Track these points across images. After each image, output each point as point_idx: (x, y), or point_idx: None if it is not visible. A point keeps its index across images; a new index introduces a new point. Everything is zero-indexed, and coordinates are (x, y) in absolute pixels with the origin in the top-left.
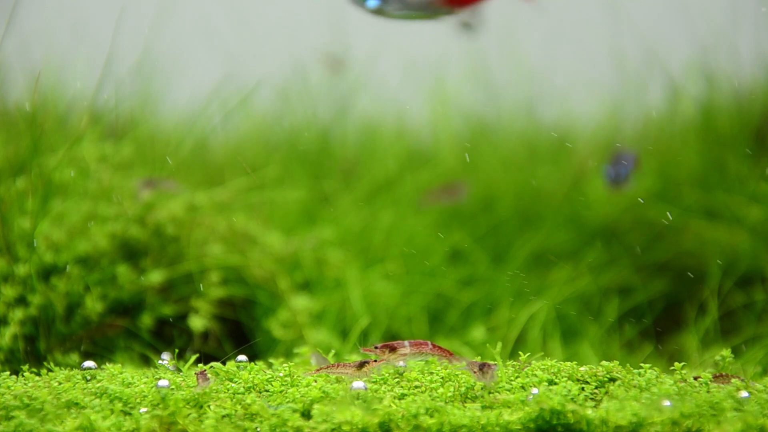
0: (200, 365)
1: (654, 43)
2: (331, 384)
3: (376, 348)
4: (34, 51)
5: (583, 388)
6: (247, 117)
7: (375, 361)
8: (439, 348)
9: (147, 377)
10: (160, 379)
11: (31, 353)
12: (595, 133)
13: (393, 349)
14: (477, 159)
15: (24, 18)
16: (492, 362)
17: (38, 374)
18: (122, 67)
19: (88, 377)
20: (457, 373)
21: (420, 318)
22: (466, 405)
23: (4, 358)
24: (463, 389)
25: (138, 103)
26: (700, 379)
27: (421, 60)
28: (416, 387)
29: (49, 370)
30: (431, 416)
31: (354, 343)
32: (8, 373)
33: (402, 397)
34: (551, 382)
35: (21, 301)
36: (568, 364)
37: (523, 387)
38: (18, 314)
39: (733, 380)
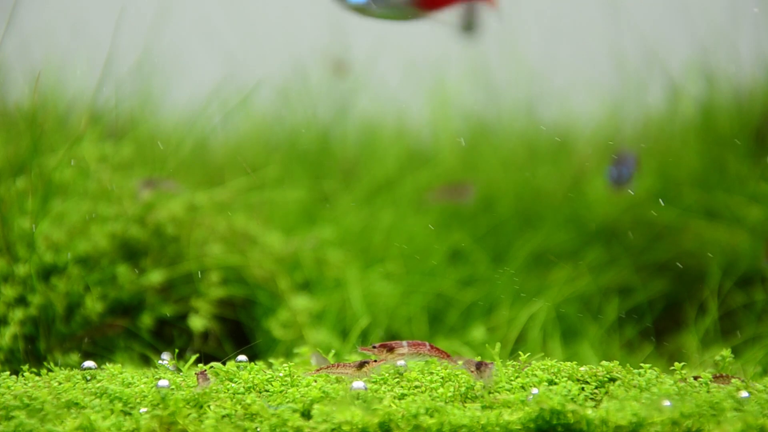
0: (200, 365)
1: (654, 43)
2: (331, 384)
3: (374, 348)
4: (34, 51)
5: (583, 388)
6: (247, 117)
7: (375, 361)
8: (437, 349)
9: (147, 377)
10: (160, 379)
11: (31, 353)
12: (595, 133)
13: (391, 349)
14: (477, 159)
15: (24, 18)
16: (489, 361)
17: (38, 374)
18: (122, 67)
19: (88, 377)
20: (457, 373)
21: (420, 318)
22: (466, 405)
23: (4, 358)
24: (463, 389)
25: (138, 103)
26: (700, 379)
27: (421, 60)
28: (416, 387)
29: (49, 370)
30: (431, 416)
31: (354, 343)
32: (8, 373)
33: (402, 397)
34: (551, 382)
35: (21, 301)
36: (568, 364)
37: (523, 387)
38: (18, 314)
39: (733, 380)
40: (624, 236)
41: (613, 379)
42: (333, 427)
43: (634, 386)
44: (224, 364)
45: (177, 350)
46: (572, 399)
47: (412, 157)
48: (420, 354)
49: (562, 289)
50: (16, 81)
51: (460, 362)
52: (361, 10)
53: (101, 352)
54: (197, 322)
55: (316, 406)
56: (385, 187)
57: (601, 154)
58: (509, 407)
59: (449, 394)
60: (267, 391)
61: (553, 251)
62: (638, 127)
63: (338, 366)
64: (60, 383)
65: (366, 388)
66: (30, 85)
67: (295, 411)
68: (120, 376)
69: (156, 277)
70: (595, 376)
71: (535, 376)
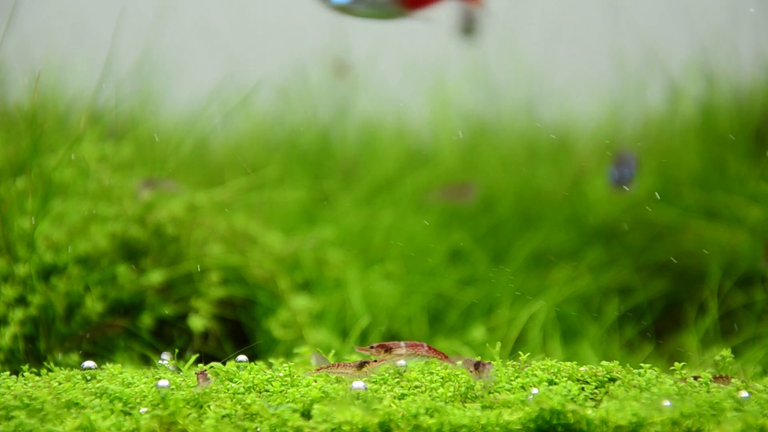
0: (200, 365)
1: (654, 43)
2: (331, 384)
3: (371, 348)
4: (34, 51)
5: (583, 388)
6: (247, 117)
7: (375, 361)
8: (434, 350)
9: (147, 377)
10: (160, 379)
11: (31, 353)
12: (595, 133)
13: (388, 350)
14: (477, 159)
15: (24, 18)
16: (488, 361)
17: (38, 374)
18: (122, 67)
19: (88, 377)
20: (457, 373)
21: (420, 318)
22: (466, 405)
23: (4, 358)
24: (463, 389)
25: (138, 103)
26: (700, 379)
27: (421, 60)
28: (416, 387)
29: (49, 370)
30: (431, 416)
31: (354, 343)
32: (8, 373)
33: (402, 397)
34: (551, 382)
35: (21, 301)
36: (568, 364)
37: (523, 387)
38: (18, 314)
39: (733, 381)
40: (624, 236)
41: (613, 379)
42: (333, 427)
43: (634, 386)
44: (224, 364)
45: (177, 350)
46: (572, 399)
47: (412, 157)
48: (418, 354)
49: (562, 289)
50: (16, 81)
51: (459, 362)
52: (344, 9)
53: (101, 352)
54: (197, 322)
55: (316, 406)
56: (385, 187)
57: (601, 154)
58: (509, 407)
59: (449, 394)
60: (267, 391)
61: (553, 251)
62: (638, 127)
63: (338, 366)
64: (60, 383)
65: (366, 388)
66: (30, 85)
67: (295, 411)
68: (120, 376)
69: (156, 277)
70: (595, 376)
71: (535, 376)
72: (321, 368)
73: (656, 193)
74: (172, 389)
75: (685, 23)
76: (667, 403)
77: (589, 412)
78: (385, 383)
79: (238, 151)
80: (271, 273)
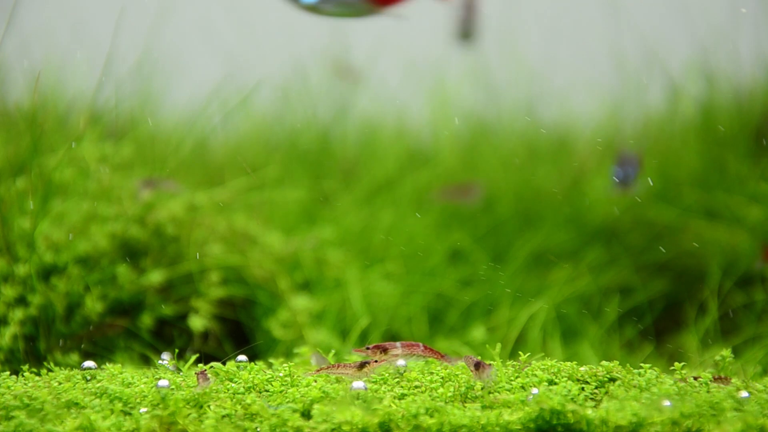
0: (200, 365)
1: (654, 43)
2: (331, 384)
3: (367, 349)
4: (34, 51)
5: (583, 388)
6: (247, 117)
7: (375, 361)
8: (431, 350)
9: (147, 377)
10: (160, 379)
11: (31, 353)
12: (595, 133)
13: (384, 350)
14: (477, 159)
15: (24, 18)
16: (488, 362)
17: (38, 374)
18: (122, 67)
19: (88, 377)
20: (457, 373)
21: (420, 318)
22: (466, 405)
23: (4, 358)
24: (463, 389)
25: (138, 103)
26: (700, 379)
27: (421, 60)
28: (416, 387)
29: (49, 370)
30: (431, 416)
31: (354, 343)
32: (8, 373)
33: (402, 397)
34: (551, 382)
35: (21, 301)
36: (568, 364)
37: (523, 387)
38: (18, 314)
39: (733, 381)
40: (624, 236)
41: (613, 379)
42: (333, 427)
43: (634, 386)
44: (224, 364)
45: (177, 350)
46: (572, 399)
47: (412, 157)
48: (414, 354)
49: (562, 289)
50: (16, 81)
51: (459, 362)
52: (313, 9)
53: (101, 352)
54: (197, 322)
55: (316, 406)
56: (385, 187)
57: (601, 154)
58: (509, 407)
59: (449, 394)
60: (267, 391)
61: (553, 251)
62: (638, 127)
63: (338, 366)
64: (60, 383)
65: (366, 388)
66: (30, 85)
67: (295, 411)
68: (120, 376)
69: (156, 277)
70: (595, 376)
71: (535, 376)
72: (321, 368)
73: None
74: (172, 389)
75: (685, 23)
76: (667, 403)
77: (589, 412)
78: (385, 383)
79: (238, 151)
80: (271, 273)
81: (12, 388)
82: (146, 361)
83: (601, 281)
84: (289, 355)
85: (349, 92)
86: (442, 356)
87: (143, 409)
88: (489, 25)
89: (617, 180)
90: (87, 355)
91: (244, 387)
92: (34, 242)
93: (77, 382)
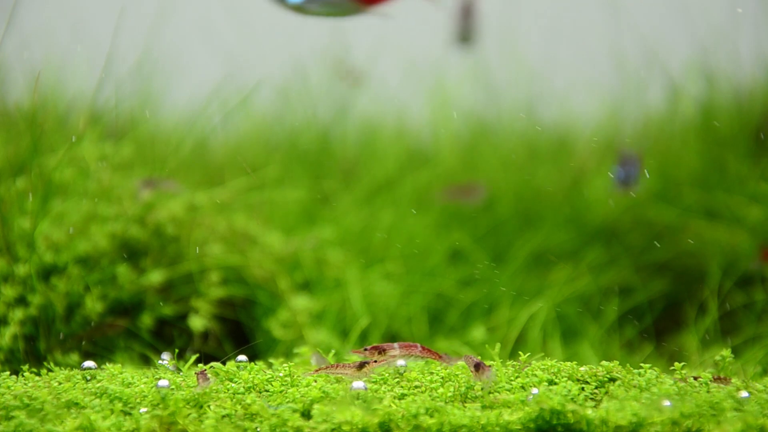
0: (200, 365)
1: (654, 43)
2: (331, 384)
3: (365, 350)
4: (34, 51)
5: (583, 388)
6: (247, 117)
7: (375, 361)
8: (429, 350)
9: (147, 377)
10: (160, 379)
11: (31, 353)
12: (595, 133)
13: (382, 351)
14: (477, 159)
15: (24, 18)
16: (488, 364)
17: (38, 374)
18: (122, 67)
19: (88, 377)
20: (457, 373)
21: (420, 318)
22: (466, 405)
23: (4, 358)
24: (463, 389)
25: (138, 103)
26: (700, 379)
27: (421, 60)
28: (416, 387)
29: (49, 370)
30: (431, 416)
31: (354, 343)
32: (8, 373)
33: (402, 397)
34: (551, 382)
35: (21, 301)
36: (568, 364)
37: (523, 387)
38: (18, 314)
39: (733, 381)
40: (624, 236)
41: (613, 379)
42: (333, 427)
43: (634, 386)
44: (224, 364)
45: (177, 350)
46: (572, 399)
47: (412, 157)
48: (412, 355)
49: (562, 289)
50: (16, 81)
51: (459, 362)
52: (299, 9)
53: (101, 352)
54: (197, 322)
55: (316, 406)
56: (385, 187)
57: (602, 154)
58: (509, 407)
59: (449, 394)
60: (267, 391)
61: (553, 251)
62: (638, 127)
63: (338, 366)
64: (60, 383)
65: (366, 388)
66: (30, 85)
67: (295, 411)
68: (120, 376)
69: (156, 277)
70: (595, 376)
71: (535, 376)
72: (321, 368)
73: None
74: (172, 389)
75: (685, 23)
76: (667, 403)
77: (589, 412)
78: (385, 383)
79: (238, 151)
80: (271, 273)
81: (12, 388)
82: (146, 361)
83: (601, 281)
84: (289, 355)
85: (349, 92)
86: (440, 357)
87: (143, 409)
88: (489, 25)
89: (619, 180)
90: (87, 355)
91: (244, 387)
92: (34, 242)
93: (77, 382)
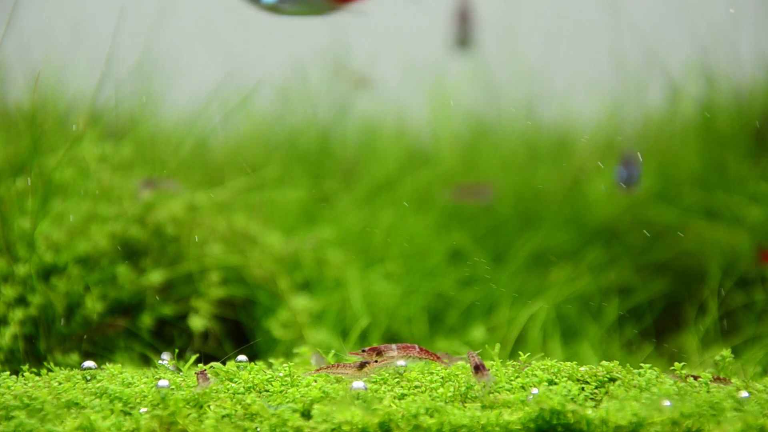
0: (200, 365)
1: (654, 43)
2: (331, 384)
3: (363, 351)
4: (34, 51)
5: (583, 388)
6: (247, 117)
7: (376, 361)
8: (427, 351)
9: (147, 377)
10: (160, 379)
11: (31, 353)
12: (595, 133)
13: (380, 353)
14: (477, 159)
15: (24, 18)
16: (488, 364)
17: (38, 374)
18: (122, 67)
19: (88, 377)
20: (457, 373)
21: (420, 318)
22: (466, 405)
23: (4, 358)
24: (463, 389)
25: (138, 103)
26: (700, 379)
27: (421, 60)
28: (416, 387)
29: (49, 370)
30: (431, 416)
31: (354, 344)
32: (8, 373)
33: (402, 397)
34: (551, 382)
35: (21, 301)
36: (568, 364)
37: (523, 387)
38: (18, 314)
39: (733, 381)
40: (624, 236)
41: (613, 379)
42: (333, 427)
43: (634, 386)
44: (224, 364)
45: (177, 350)
46: (572, 399)
47: (412, 157)
48: (410, 357)
49: (562, 289)
50: (16, 81)
51: (459, 362)
52: (273, 8)
53: (101, 352)
54: (197, 322)
55: (316, 406)
56: (385, 187)
57: (602, 154)
58: (509, 407)
59: (449, 394)
60: (267, 391)
61: (553, 251)
62: (638, 127)
63: (338, 366)
64: (60, 383)
65: (366, 388)
66: (30, 85)
67: (295, 411)
68: (120, 376)
69: (156, 277)
70: (595, 376)
71: (535, 376)
72: (321, 368)
73: (662, 203)
74: (172, 389)
75: (685, 23)
76: (667, 403)
77: (589, 412)
78: (385, 383)
79: (238, 151)
80: (271, 273)
81: (12, 388)
82: (146, 361)
83: (601, 281)
84: (289, 355)
85: (349, 92)
86: (438, 358)
87: (143, 409)
88: (489, 26)
89: (620, 180)
90: (87, 355)
91: (244, 387)
92: (34, 242)
93: (77, 382)
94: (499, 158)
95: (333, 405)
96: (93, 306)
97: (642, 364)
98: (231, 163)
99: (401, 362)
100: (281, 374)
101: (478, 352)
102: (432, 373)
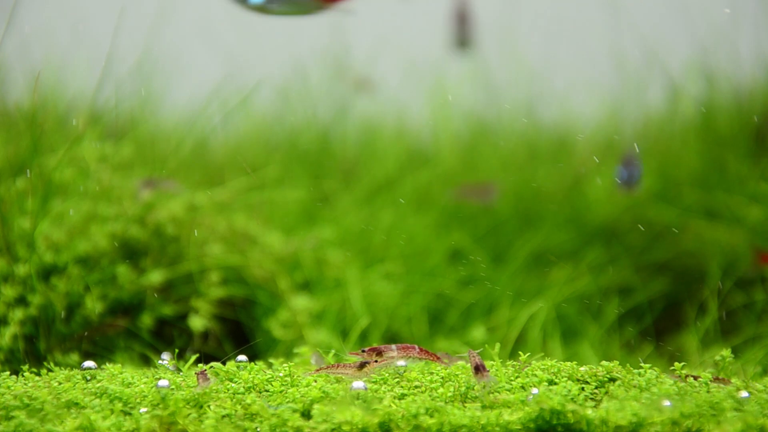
0: (200, 365)
1: (654, 43)
2: (331, 384)
3: (363, 351)
4: (34, 51)
5: (583, 388)
6: (247, 117)
7: (376, 361)
8: (426, 352)
9: (147, 377)
10: (160, 379)
11: (31, 353)
12: (595, 133)
13: (380, 353)
14: (477, 159)
15: (24, 18)
16: (488, 364)
17: (38, 374)
18: (122, 67)
19: (88, 377)
20: (457, 373)
21: (420, 318)
22: (466, 405)
23: (4, 358)
24: (463, 389)
25: (138, 103)
26: (700, 379)
27: (421, 60)
28: (416, 387)
29: (49, 370)
30: (431, 416)
31: (354, 343)
32: (8, 373)
33: (402, 397)
34: (551, 382)
35: (21, 301)
36: (568, 364)
37: (523, 387)
38: (18, 314)
39: (733, 381)
40: (624, 236)
41: (613, 379)
42: (333, 427)
43: (634, 386)
44: (224, 364)
45: (177, 350)
46: (572, 399)
47: (412, 157)
48: (410, 357)
49: (562, 289)
50: (16, 81)
51: (459, 362)
52: (261, 9)
53: (101, 352)
54: (197, 322)
55: (316, 406)
56: (385, 187)
57: (602, 154)
58: (509, 407)
59: (449, 394)
60: (267, 391)
61: (553, 251)
62: (638, 127)
63: (338, 366)
64: (60, 383)
65: (366, 388)
66: (30, 85)
67: (295, 411)
68: (120, 376)
69: (156, 277)
70: (595, 376)
71: (535, 376)
72: (321, 368)
73: (662, 203)
74: (172, 389)
75: (685, 23)
76: (667, 403)
77: (589, 412)
78: (385, 383)
79: (238, 151)
80: (271, 273)
81: (12, 388)
82: (146, 361)
83: (601, 281)
84: (289, 355)
85: (349, 92)
86: (438, 358)
87: (143, 409)
88: (489, 26)
89: (622, 180)
90: (87, 355)
91: (244, 387)
92: (34, 242)
93: (77, 382)
94: (499, 158)
95: (333, 405)
96: (93, 306)
97: (642, 364)
98: (231, 163)
99: (401, 362)
100: (281, 374)
101: (479, 351)
102: (432, 373)
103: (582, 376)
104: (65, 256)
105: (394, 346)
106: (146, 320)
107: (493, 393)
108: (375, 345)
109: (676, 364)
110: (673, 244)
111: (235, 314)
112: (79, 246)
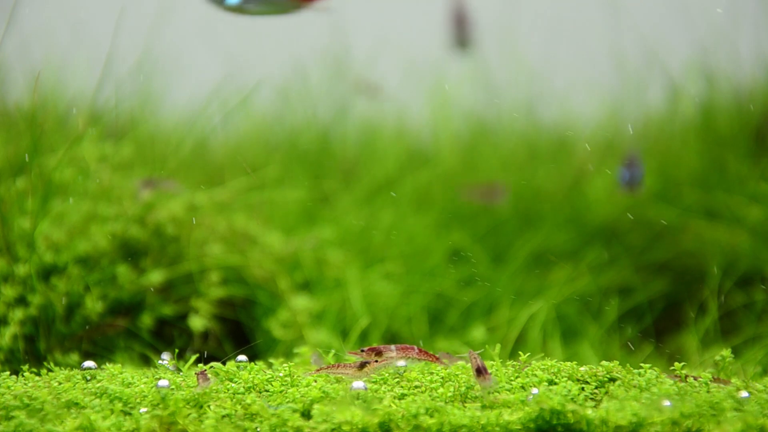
0: (200, 365)
1: (654, 43)
2: (331, 384)
3: (362, 351)
4: (34, 51)
5: (583, 388)
6: (247, 117)
7: (376, 361)
8: (426, 352)
9: (147, 377)
10: (160, 379)
11: (31, 353)
12: (595, 133)
13: (379, 353)
14: (477, 159)
15: (24, 18)
16: (488, 364)
17: (38, 374)
18: (122, 67)
19: (88, 377)
20: (457, 373)
21: (420, 318)
22: (466, 405)
23: (4, 358)
24: (463, 389)
25: (138, 103)
26: (700, 380)
27: (421, 60)
28: (416, 387)
29: (49, 370)
30: (431, 416)
31: (354, 343)
32: (8, 373)
33: (402, 397)
34: (551, 382)
35: (21, 301)
36: (568, 364)
37: (523, 387)
38: (18, 314)
39: (733, 381)
40: (624, 236)
41: (613, 379)
42: (333, 427)
43: (634, 386)
44: (224, 364)
45: (177, 350)
46: (572, 399)
47: (412, 157)
48: (409, 357)
49: (562, 289)
50: (16, 81)
51: (460, 362)
52: (238, 9)
53: (101, 352)
54: (197, 322)
55: (316, 406)
56: (385, 187)
57: (602, 154)
58: (509, 407)
59: (449, 394)
60: (267, 391)
61: (553, 251)
62: (638, 127)
63: (339, 366)
64: (60, 383)
65: (366, 388)
66: (30, 85)
67: (295, 411)
68: (120, 376)
69: (156, 277)
70: (595, 376)
71: (535, 376)
72: (321, 368)
73: (662, 203)
74: (172, 389)
75: (685, 23)
76: (667, 403)
77: (589, 412)
78: (385, 383)
79: (238, 151)
80: (271, 273)
81: (12, 388)
82: (146, 361)
83: (601, 281)
84: (289, 355)
85: (349, 92)
86: (437, 359)
87: (143, 409)
88: (489, 26)
89: (623, 181)
90: (87, 355)
91: (244, 387)
92: (34, 242)
93: (77, 382)
94: (499, 158)
95: (333, 405)
96: (93, 306)
97: (642, 364)
98: (231, 163)
99: (401, 362)
100: (281, 374)
101: (479, 352)
102: (432, 373)
103: (582, 376)
104: (65, 256)
105: (393, 347)
106: (146, 320)
107: (493, 393)
108: (375, 345)
109: (676, 364)
110: (673, 244)
111: (235, 314)
112: (79, 246)
